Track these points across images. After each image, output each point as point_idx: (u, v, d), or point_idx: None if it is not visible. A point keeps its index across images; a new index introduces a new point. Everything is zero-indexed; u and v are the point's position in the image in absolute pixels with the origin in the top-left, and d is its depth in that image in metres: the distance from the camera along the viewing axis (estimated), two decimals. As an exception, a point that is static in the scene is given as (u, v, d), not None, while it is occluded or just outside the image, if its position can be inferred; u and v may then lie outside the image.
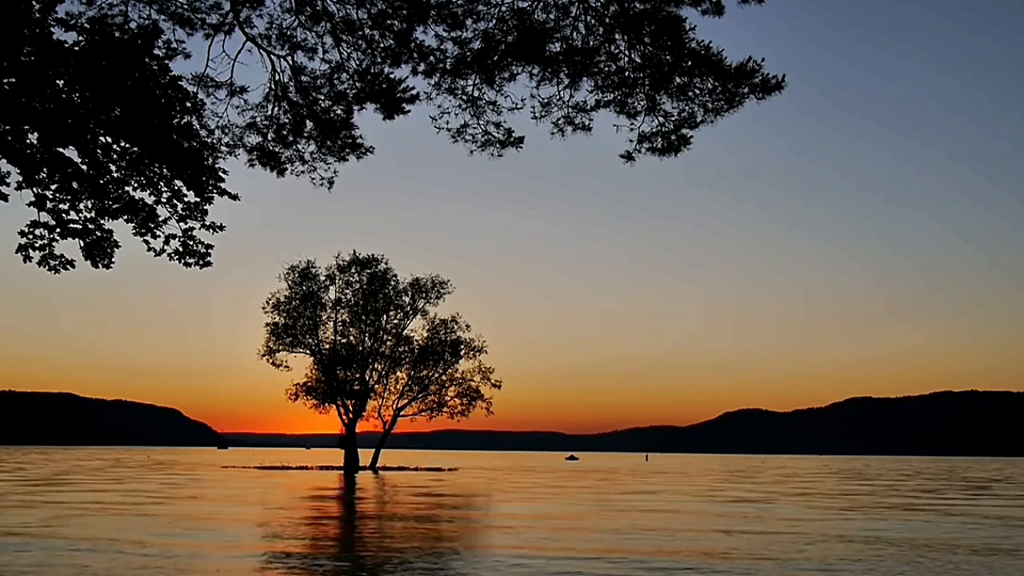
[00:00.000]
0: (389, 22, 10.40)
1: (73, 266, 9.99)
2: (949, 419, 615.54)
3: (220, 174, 10.35)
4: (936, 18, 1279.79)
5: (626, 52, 10.20)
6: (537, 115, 10.60)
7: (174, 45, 10.42)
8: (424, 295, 59.29)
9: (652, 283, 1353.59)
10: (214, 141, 11.09)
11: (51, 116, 9.15)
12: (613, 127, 10.58)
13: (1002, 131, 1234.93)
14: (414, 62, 10.53)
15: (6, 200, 9.46)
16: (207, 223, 10.36)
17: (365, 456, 63.77)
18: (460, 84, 10.60)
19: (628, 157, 10.68)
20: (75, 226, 9.95)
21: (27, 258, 9.81)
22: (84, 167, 9.67)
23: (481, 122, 10.86)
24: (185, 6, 10.47)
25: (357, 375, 58.97)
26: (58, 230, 9.88)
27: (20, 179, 9.50)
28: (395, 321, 59.59)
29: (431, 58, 10.44)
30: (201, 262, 10.51)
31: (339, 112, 11.29)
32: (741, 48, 9.69)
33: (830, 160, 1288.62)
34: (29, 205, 9.66)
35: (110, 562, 11.99)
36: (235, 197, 10.47)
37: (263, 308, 57.89)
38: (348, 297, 58.83)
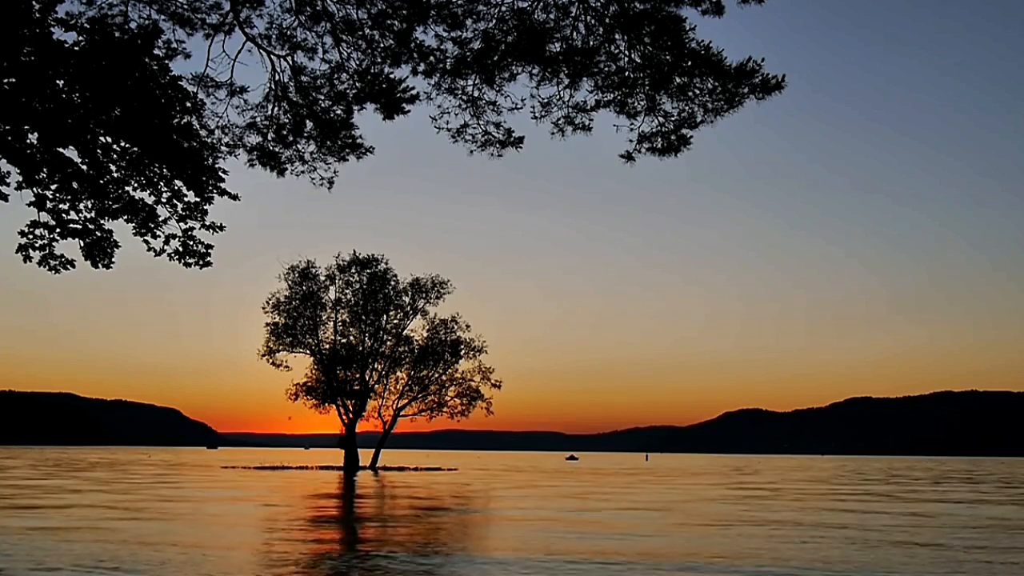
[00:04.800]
0: (389, 22, 10.39)
1: (73, 266, 9.99)
2: (949, 419, 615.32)
3: (220, 174, 10.35)
4: (936, 18, 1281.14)
5: (626, 52, 10.19)
6: (537, 115, 10.59)
7: (174, 45, 10.42)
8: (424, 295, 59.37)
9: (652, 283, 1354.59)
10: (214, 141, 11.09)
11: (51, 116, 9.14)
12: (613, 127, 10.58)
13: (1003, 131, 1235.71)
14: (414, 62, 10.52)
15: (6, 200, 9.46)
16: (207, 223, 10.35)
17: (365, 456, 63.77)
18: (460, 84, 10.60)
19: (628, 157, 10.68)
20: (75, 226, 9.94)
21: (27, 258, 9.80)
22: (84, 167, 9.67)
23: (481, 122, 10.86)
24: (185, 6, 10.46)
25: (357, 375, 58.97)
26: (58, 230, 9.88)
27: (20, 179, 9.50)
28: (395, 321, 59.69)
29: (431, 58, 10.43)
30: (201, 262, 10.51)
31: (339, 112, 11.28)
32: (741, 48, 9.69)
33: (831, 160, 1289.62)
34: (29, 205, 9.66)
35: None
36: (235, 197, 10.46)
37: (263, 308, 57.99)
38: (348, 297, 58.92)
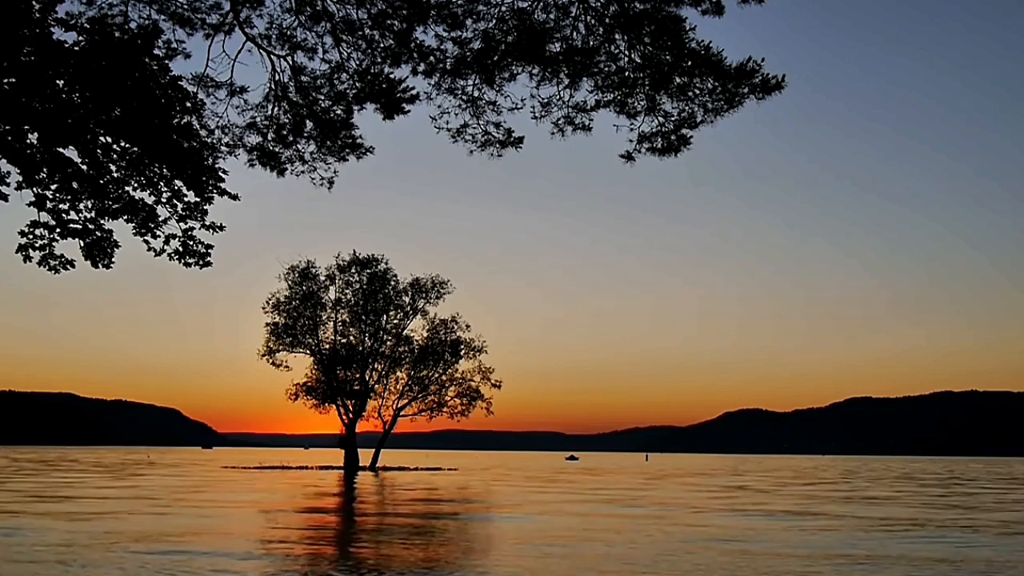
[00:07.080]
0: (389, 22, 10.40)
1: (73, 266, 9.99)
2: (949, 419, 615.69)
3: (220, 174, 10.35)
4: (936, 18, 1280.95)
5: (626, 52, 10.20)
6: (537, 115, 10.60)
7: (174, 45, 10.43)
8: (424, 295, 59.36)
9: (652, 283, 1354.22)
10: (214, 141, 11.10)
11: (51, 116, 9.15)
12: (613, 127, 10.59)
13: (1002, 131, 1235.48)
14: (414, 62, 10.53)
15: (6, 200, 9.46)
16: (207, 223, 10.36)
17: (365, 456, 63.79)
18: (460, 84, 10.60)
19: (628, 157, 10.68)
20: (75, 226, 9.95)
21: (27, 258, 9.81)
22: (84, 167, 9.67)
23: (481, 122, 10.87)
24: (185, 6, 10.47)
25: (357, 375, 58.99)
26: (58, 230, 9.88)
27: (20, 179, 9.50)
28: (395, 321, 59.68)
29: (431, 58, 10.44)
30: (201, 262, 10.51)
31: (339, 112, 11.29)
32: (741, 48, 9.70)
33: (830, 160, 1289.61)
34: (29, 205, 9.67)
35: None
36: (235, 197, 10.47)
37: (263, 308, 57.98)
38: (348, 297, 58.92)
